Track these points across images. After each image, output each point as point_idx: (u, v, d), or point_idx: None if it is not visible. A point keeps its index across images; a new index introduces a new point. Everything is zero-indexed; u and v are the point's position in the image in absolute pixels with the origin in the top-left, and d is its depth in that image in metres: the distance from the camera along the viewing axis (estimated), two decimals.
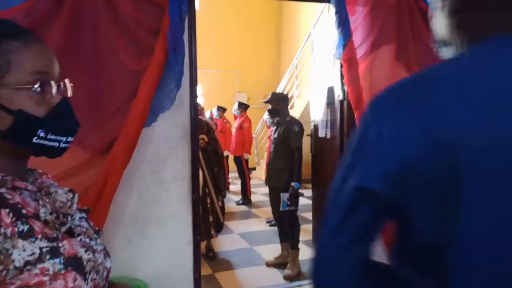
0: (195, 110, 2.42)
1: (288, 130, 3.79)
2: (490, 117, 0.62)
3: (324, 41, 3.97)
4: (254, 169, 9.22)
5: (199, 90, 4.44)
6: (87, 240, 0.77)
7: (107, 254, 0.81)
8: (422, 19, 3.01)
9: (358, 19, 2.81)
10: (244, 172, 6.98)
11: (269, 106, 3.99)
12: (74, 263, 0.68)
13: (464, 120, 0.63)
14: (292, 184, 3.64)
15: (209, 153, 4.17)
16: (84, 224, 0.82)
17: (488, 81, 0.64)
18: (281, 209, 3.73)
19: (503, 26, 0.69)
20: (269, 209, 5.74)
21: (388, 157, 0.66)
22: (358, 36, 2.85)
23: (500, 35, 0.68)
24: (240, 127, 7.15)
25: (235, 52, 9.50)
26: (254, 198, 7.11)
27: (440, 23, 0.77)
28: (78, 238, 0.75)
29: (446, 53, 0.78)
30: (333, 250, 0.70)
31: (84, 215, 0.84)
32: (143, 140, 2.26)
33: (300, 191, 3.79)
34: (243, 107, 7.32)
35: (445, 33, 0.76)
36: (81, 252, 0.72)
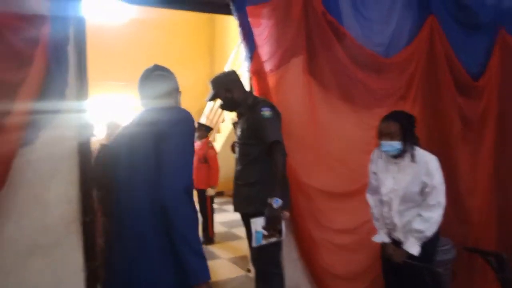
0: (85, 125, 2.22)
1: (254, 118, 2.42)
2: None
3: None
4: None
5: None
6: None
7: None
8: (331, 32, 3.03)
9: (264, 32, 2.77)
10: (207, 210, 5.33)
11: (219, 102, 2.64)
12: None
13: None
14: (270, 201, 2.25)
15: None
16: None
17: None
18: (254, 244, 2.35)
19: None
20: (236, 245, 5.09)
21: None
22: (266, 50, 2.81)
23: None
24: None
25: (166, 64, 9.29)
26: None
27: None
28: None
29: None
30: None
31: None
32: (21, 161, 2.04)
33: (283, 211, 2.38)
34: (203, 129, 5.28)
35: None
36: None
